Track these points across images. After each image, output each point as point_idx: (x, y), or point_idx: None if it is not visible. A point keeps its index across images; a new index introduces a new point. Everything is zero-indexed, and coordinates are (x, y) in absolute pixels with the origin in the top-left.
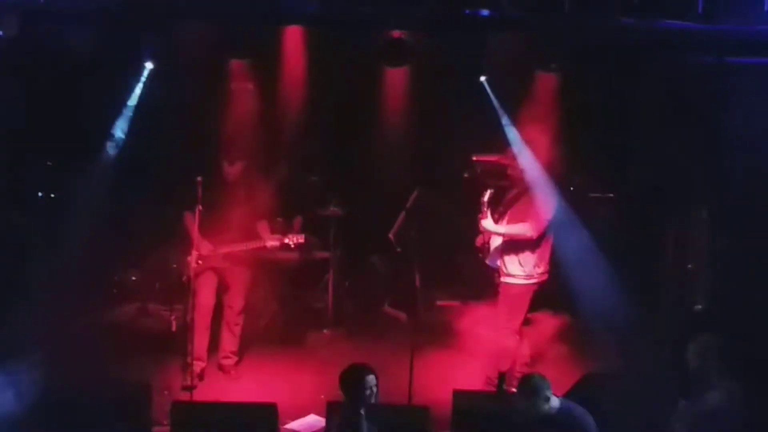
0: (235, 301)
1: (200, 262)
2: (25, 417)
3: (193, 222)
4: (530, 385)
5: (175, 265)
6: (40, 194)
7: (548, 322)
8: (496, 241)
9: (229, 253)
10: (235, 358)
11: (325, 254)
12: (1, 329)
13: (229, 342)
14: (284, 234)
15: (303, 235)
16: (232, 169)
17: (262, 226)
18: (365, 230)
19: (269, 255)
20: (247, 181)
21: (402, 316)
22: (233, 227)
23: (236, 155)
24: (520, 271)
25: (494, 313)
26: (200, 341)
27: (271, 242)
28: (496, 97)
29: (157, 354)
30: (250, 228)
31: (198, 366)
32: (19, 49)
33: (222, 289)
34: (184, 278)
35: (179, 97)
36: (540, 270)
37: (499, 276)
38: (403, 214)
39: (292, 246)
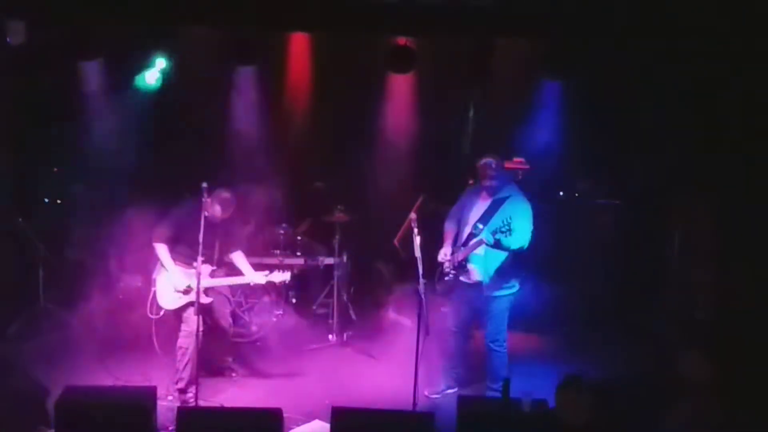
0: (222, 321)
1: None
2: (32, 420)
3: (165, 254)
4: None
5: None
6: (46, 200)
7: None
8: (476, 258)
9: (211, 288)
10: (230, 359)
11: (330, 260)
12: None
13: (220, 351)
14: (271, 268)
15: (288, 274)
16: (213, 212)
17: (239, 257)
18: (370, 236)
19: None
20: (228, 219)
21: (407, 321)
22: (212, 261)
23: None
24: (505, 283)
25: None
26: (192, 367)
27: (256, 280)
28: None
29: (162, 359)
30: (225, 260)
31: (190, 393)
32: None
33: (207, 312)
34: (162, 313)
35: (185, 103)
36: (519, 279)
37: (482, 290)
38: (408, 221)
39: (277, 284)
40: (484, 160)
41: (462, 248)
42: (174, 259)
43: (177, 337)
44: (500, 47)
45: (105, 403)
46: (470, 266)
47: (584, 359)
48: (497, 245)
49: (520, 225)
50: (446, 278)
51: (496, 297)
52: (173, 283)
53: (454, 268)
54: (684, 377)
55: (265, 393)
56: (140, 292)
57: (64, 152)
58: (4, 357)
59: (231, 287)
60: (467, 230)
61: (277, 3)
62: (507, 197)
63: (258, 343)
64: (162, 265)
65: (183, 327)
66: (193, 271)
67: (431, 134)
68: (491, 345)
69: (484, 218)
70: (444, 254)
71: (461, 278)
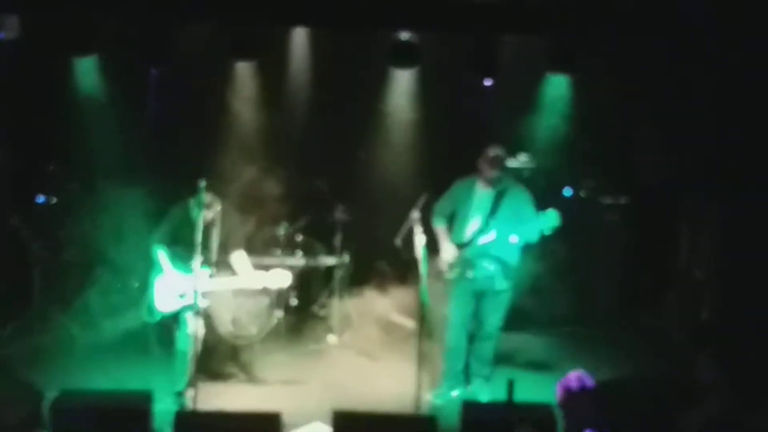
0: (221, 328)
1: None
2: (27, 423)
3: (163, 257)
4: None
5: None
6: (42, 198)
7: None
8: (487, 253)
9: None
10: (229, 363)
11: (331, 260)
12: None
13: (219, 355)
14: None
15: (289, 276)
16: (207, 214)
17: (239, 258)
18: (371, 236)
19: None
20: (223, 219)
21: (408, 323)
22: (210, 263)
23: (211, 200)
24: (513, 274)
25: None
26: (190, 370)
27: (251, 286)
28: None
29: (161, 363)
30: (226, 261)
31: (188, 396)
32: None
33: (206, 318)
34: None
35: (183, 101)
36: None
37: (493, 284)
38: (409, 220)
39: (274, 289)
40: (496, 152)
41: (471, 244)
42: (173, 261)
43: (175, 341)
44: (506, 41)
45: (101, 407)
46: (481, 262)
47: (590, 360)
48: (526, 240)
49: (531, 212)
50: (449, 276)
51: (505, 289)
52: (171, 285)
53: (460, 266)
54: (693, 378)
55: (264, 396)
56: (137, 293)
57: (59, 149)
58: None
59: (233, 292)
60: (472, 225)
61: None
62: (506, 188)
63: (257, 345)
64: (160, 268)
65: (181, 329)
66: (192, 273)
67: (434, 131)
68: (493, 333)
69: (493, 212)
70: (450, 253)
71: (466, 274)
